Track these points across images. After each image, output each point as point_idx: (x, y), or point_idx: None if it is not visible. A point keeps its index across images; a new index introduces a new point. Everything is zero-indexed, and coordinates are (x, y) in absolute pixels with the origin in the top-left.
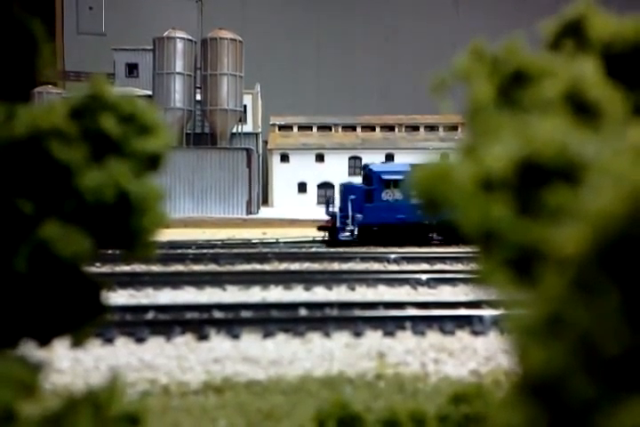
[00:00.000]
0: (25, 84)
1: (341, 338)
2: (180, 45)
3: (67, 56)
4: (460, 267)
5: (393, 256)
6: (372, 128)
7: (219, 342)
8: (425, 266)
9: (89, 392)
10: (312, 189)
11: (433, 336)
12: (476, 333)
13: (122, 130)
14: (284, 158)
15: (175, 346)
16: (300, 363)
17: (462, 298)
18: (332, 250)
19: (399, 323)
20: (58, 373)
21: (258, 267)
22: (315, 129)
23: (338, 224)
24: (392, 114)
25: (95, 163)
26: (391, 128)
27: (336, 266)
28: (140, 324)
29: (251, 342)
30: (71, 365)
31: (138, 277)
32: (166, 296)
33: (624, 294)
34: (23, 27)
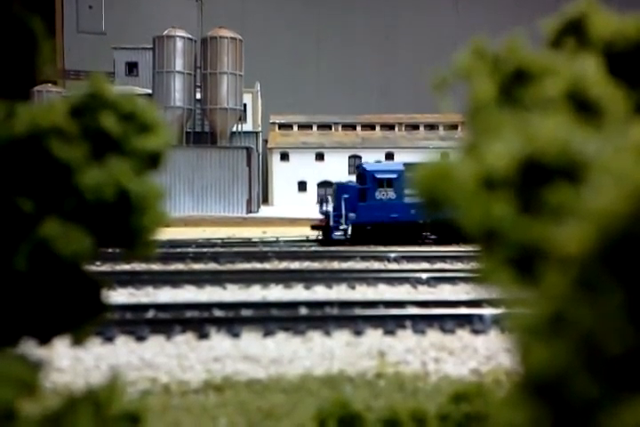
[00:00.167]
0: (25, 82)
1: (342, 337)
2: (179, 44)
3: (67, 55)
4: (460, 266)
5: (393, 255)
6: (372, 127)
7: (219, 341)
8: (425, 265)
9: (89, 391)
10: (312, 188)
11: (433, 335)
12: (476, 332)
13: (122, 128)
14: (284, 157)
15: (175, 345)
16: (300, 362)
17: (463, 297)
18: (332, 249)
19: (399, 322)
20: (58, 371)
21: (258, 266)
22: (315, 128)
23: (331, 223)
24: (392, 113)
25: (95, 161)
26: (391, 127)
27: (336, 265)
28: (140, 322)
29: (251, 340)
30: (71, 363)
31: (138, 276)
32: (166, 295)
33: (627, 293)
34: (23, 25)
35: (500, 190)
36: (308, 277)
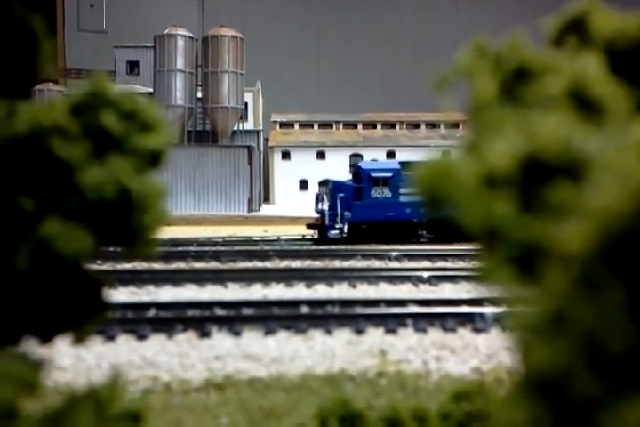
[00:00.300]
0: (26, 81)
1: (343, 335)
2: (180, 43)
3: (67, 53)
4: (461, 264)
5: (394, 254)
6: (374, 125)
7: (220, 340)
8: (426, 263)
9: (90, 390)
10: (313, 187)
11: (434, 334)
12: (477, 330)
13: (123, 127)
14: (286, 156)
15: (177, 343)
16: (301, 360)
17: (464, 295)
18: (333, 247)
19: (401, 320)
20: (59, 370)
21: (259, 264)
22: (316, 126)
23: (327, 222)
24: (393, 111)
25: (96, 160)
26: (392, 125)
27: (337, 263)
28: (141, 321)
29: (252, 339)
30: (73, 362)
31: (139, 275)
32: (168, 294)
33: (628, 292)
34: (24, 23)
35: (501, 189)
36: (309, 276)
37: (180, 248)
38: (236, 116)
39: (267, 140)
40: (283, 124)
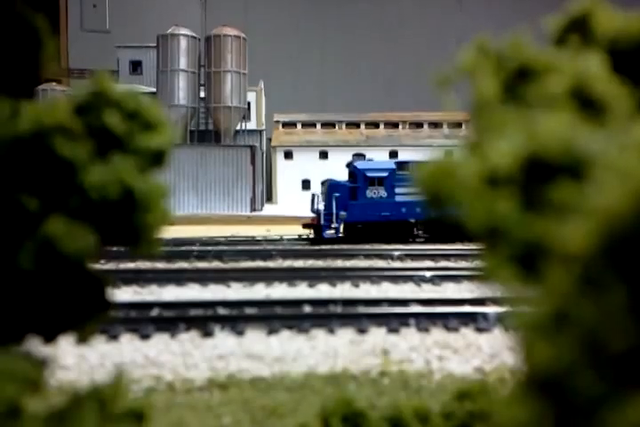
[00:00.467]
0: (29, 80)
1: (345, 335)
2: (183, 43)
3: (70, 53)
4: (464, 264)
5: (397, 253)
6: (376, 125)
7: (223, 339)
8: (429, 263)
9: (94, 389)
10: (316, 187)
11: (437, 333)
12: (480, 330)
13: (126, 126)
14: (288, 155)
15: (180, 343)
16: (304, 360)
17: (466, 295)
18: (335, 247)
19: (403, 320)
20: (63, 369)
21: (262, 264)
22: (318, 126)
23: (322, 222)
24: (396, 111)
25: (99, 159)
26: (395, 125)
27: (340, 263)
28: (144, 320)
29: (255, 338)
30: (76, 361)
31: (142, 274)
32: (171, 293)
33: (630, 291)
34: (27, 23)
35: (503, 188)
36: (311, 276)
37: (182, 248)
38: (238, 116)
39: (269, 139)
40: (285, 124)
